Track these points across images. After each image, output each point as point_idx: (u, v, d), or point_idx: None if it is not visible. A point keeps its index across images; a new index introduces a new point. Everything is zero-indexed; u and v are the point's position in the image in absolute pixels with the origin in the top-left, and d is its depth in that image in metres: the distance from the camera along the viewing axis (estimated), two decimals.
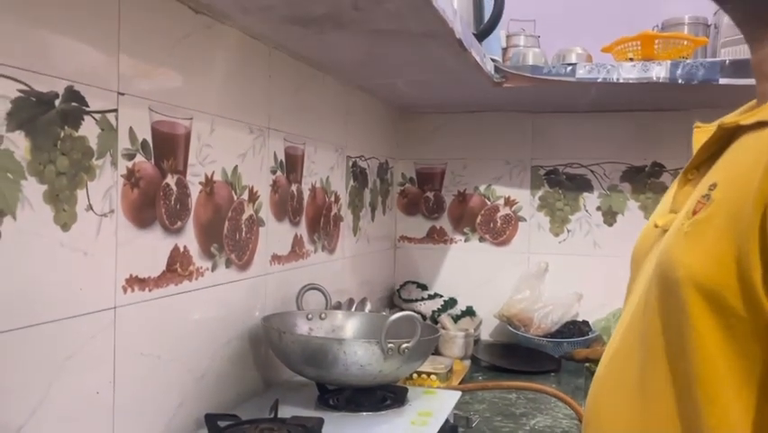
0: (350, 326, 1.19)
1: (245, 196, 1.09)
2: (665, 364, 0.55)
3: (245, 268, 1.10)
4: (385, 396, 1.08)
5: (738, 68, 1.34)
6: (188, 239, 0.94)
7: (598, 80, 1.41)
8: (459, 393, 1.15)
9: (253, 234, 1.12)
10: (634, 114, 1.79)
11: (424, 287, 1.92)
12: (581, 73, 1.44)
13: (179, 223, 0.92)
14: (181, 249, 0.93)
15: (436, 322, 1.71)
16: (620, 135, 1.81)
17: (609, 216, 1.82)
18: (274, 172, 1.20)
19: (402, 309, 1.85)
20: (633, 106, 1.76)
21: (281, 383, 1.19)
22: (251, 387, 1.13)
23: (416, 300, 1.84)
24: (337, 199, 1.50)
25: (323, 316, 1.20)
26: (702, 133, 0.65)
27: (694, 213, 0.55)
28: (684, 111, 1.70)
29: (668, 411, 0.55)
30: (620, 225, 1.81)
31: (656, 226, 0.65)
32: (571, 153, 1.84)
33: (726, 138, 0.60)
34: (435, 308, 1.75)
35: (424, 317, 1.75)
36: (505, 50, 1.73)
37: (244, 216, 1.09)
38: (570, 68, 1.45)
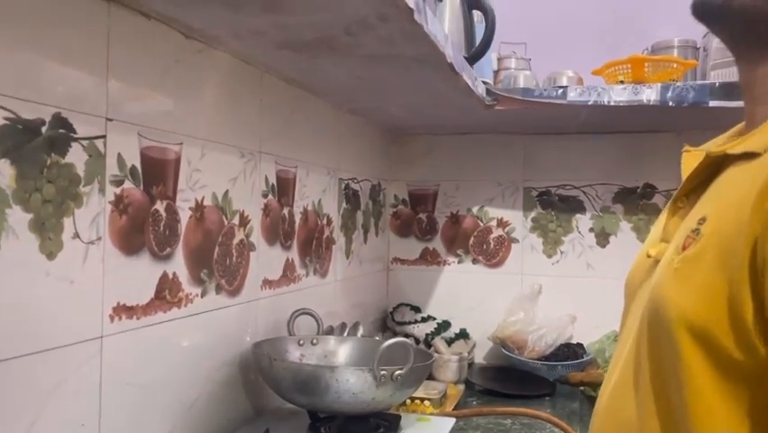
0: (342, 351, 1.18)
1: (236, 220, 1.08)
2: (660, 403, 0.55)
3: (236, 293, 1.09)
4: (378, 424, 1.06)
5: (728, 90, 1.34)
6: (177, 265, 0.93)
7: (589, 103, 1.41)
8: (453, 420, 1.13)
9: (244, 258, 1.11)
10: (625, 135, 1.79)
11: (417, 309, 1.91)
12: (572, 96, 1.44)
13: (168, 249, 0.91)
14: (170, 275, 0.91)
15: (430, 345, 1.69)
16: (612, 157, 1.82)
17: (602, 238, 1.82)
18: (265, 196, 1.19)
19: (395, 332, 1.84)
20: (624, 128, 1.77)
21: (272, 411, 1.17)
22: (241, 415, 1.11)
23: (409, 323, 1.82)
24: (329, 222, 1.49)
25: (314, 341, 1.18)
26: (691, 158, 0.65)
27: (684, 248, 0.55)
28: (675, 132, 1.71)
29: None
30: (613, 246, 1.81)
31: (649, 256, 0.65)
32: (563, 175, 1.84)
33: (714, 166, 0.60)
34: (429, 331, 1.74)
35: (417, 341, 1.73)
36: (496, 72, 1.74)
37: (235, 241, 1.08)
38: (561, 90, 1.46)
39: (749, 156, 0.55)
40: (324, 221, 1.46)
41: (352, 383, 0.95)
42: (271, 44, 0.99)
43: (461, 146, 1.91)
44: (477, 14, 1.47)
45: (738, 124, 0.68)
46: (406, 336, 1.76)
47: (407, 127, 1.87)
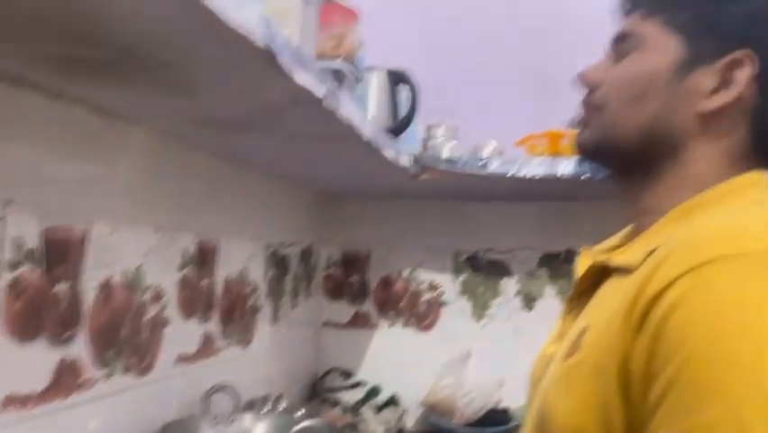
0: (258, 430, 1.15)
1: (148, 296, 1.06)
2: None
3: (146, 372, 1.05)
4: None
5: None
6: (80, 348, 0.90)
7: (508, 175, 1.47)
8: None
9: (156, 335, 1.08)
10: (547, 202, 1.86)
11: (348, 374, 1.88)
12: (493, 167, 1.49)
13: (69, 332, 0.88)
14: (70, 360, 0.88)
15: (358, 414, 1.67)
16: (535, 223, 1.87)
17: (529, 302, 1.86)
18: (183, 269, 1.17)
19: (324, 399, 1.81)
20: (546, 196, 1.83)
21: None
22: None
23: (339, 389, 1.79)
24: (255, 290, 1.47)
25: (231, 419, 1.15)
26: (586, 258, 0.68)
27: (568, 356, 0.59)
28: (597, 200, 1.78)
29: None
30: (539, 310, 1.84)
31: (547, 354, 0.68)
32: (490, 239, 1.89)
33: (599, 273, 0.63)
34: (357, 399, 1.72)
35: (345, 409, 1.71)
36: (426, 140, 1.79)
37: (146, 318, 1.05)
38: (482, 162, 1.51)
39: (625, 270, 0.58)
40: (249, 289, 1.44)
41: None
42: (189, 123, 0.99)
43: (393, 210, 1.93)
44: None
45: (630, 226, 0.71)
46: (335, 403, 1.74)
47: (338, 191, 1.89)
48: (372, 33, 1.45)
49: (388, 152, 1.27)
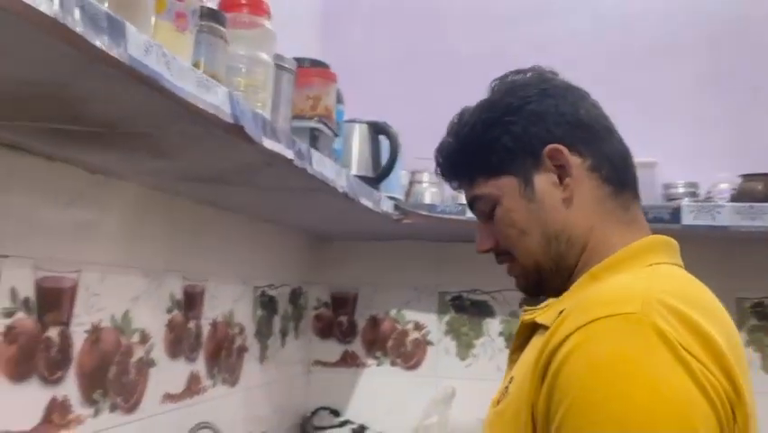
0: None
1: (136, 338, 1.13)
2: None
3: (132, 410, 1.12)
4: None
5: None
6: (68, 388, 0.97)
7: None
8: None
9: (143, 375, 1.15)
10: None
11: (336, 413, 1.93)
12: (470, 213, 1.57)
13: (59, 373, 0.95)
14: (60, 399, 0.95)
15: None
16: None
17: (511, 342, 1.91)
18: (170, 312, 1.24)
19: None
20: None
21: None
22: None
23: (327, 428, 1.84)
24: (242, 330, 1.54)
25: None
26: (527, 315, 0.76)
27: (497, 403, 0.67)
28: None
29: None
30: None
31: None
32: (473, 280, 1.95)
33: (530, 329, 0.71)
34: None
35: None
36: (411, 185, 1.87)
37: (133, 359, 1.12)
38: (460, 207, 1.59)
39: (545, 327, 0.66)
40: (236, 330, 1.51)
41: None
42: (172, 178, 1.08)
43: (379, 252, 2.00)
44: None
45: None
46: None
47: (326, 234, 1.97)
48: (358, 87, 1.55)
49: (366, 201, 1.35)
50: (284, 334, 1.80)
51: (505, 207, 0.77)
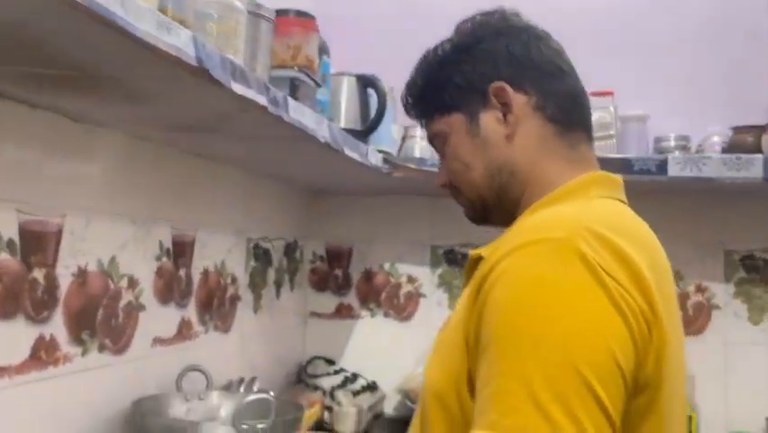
0: (226, 407, 1.25)
1: (124, 283, 1.17)
2: None
3: (121, 352, 1.16)
4: None
5: None
6: (56, 327, 1.01)
7: None
8: None
9: (132, 319, 1.19)
10: None
11: (331, 362, 1.99)
12: None
13: (46, 312, 0.99)
14: (47, 337, 0.99)
15: (334, 397, 1.77)
16: None
17: None
18: (159, 259, 1.28)
19: (307, 384, 1.91)
20: None
21: None
22: None
23: (321, 376, 1.90)
24: (234, 280, 1.58)
25: (201, 397, 1.26)
26: (474, 251, 0.79)
27: (441, 331, 0.70)
28: None
29: None
30: None
31: None
32: (466, 234, 1.97)
33: (475, 264, 0.74)
34: (335, 384, 1.82)
35: (324, 393, 1.81)
36: (404, 139, 1.88)
37: (122, 303, 1.16)
38: None
39: (482, 259, 0.69)
40: (228, 280, 1.55)
41: None
42: (154, 126, 1.10)
43: (373, 206, 2.03)
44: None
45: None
46: (316, 388, 1.84)
47: (321, 189, 1.99)
48: (353, 41, 1.55)
49: (352, 153, 1.36)
50: (278, 285, 1.85)
51: (452, 143, 0.80)
